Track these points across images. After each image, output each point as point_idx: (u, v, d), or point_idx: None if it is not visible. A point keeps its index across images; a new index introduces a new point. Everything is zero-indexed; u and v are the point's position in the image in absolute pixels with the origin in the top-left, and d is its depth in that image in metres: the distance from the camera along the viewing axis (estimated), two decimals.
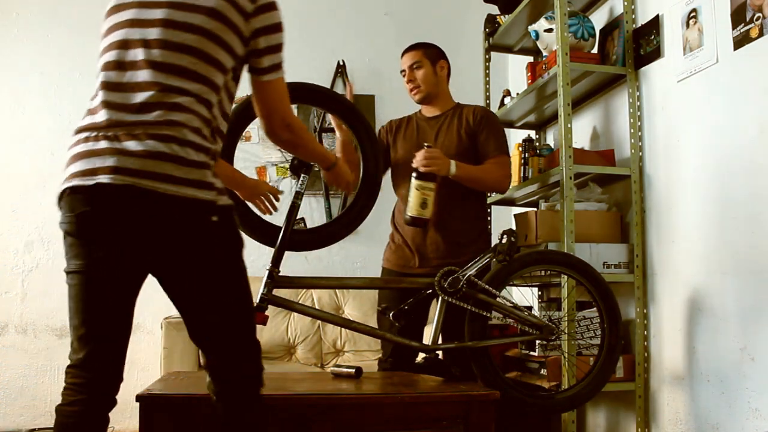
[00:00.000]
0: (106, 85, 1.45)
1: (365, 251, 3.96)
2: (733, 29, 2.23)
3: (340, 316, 3.49)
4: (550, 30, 2.89)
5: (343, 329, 3.62)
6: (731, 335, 2.24)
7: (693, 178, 2.46)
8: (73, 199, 1.38)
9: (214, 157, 1.46)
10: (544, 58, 3.01)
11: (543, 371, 2.73)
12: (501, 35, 3.46)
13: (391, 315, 2.20)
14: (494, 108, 3.52)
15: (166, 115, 1.39)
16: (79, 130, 1.43)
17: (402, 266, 2.54)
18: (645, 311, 2.67)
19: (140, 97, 1.40)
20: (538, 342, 2.71)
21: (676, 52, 2.54)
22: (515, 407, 2.11)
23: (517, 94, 3.25)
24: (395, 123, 2.71)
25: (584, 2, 3.07)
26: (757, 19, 2.13)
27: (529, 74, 3.16)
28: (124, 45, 1.46)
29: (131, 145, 1.35)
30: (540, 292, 3.27)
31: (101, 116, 1.41)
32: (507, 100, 3.35)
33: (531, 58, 3.51)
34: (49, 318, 3.70)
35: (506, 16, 3.36)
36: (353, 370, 2.14)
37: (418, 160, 2.36)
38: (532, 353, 2.81)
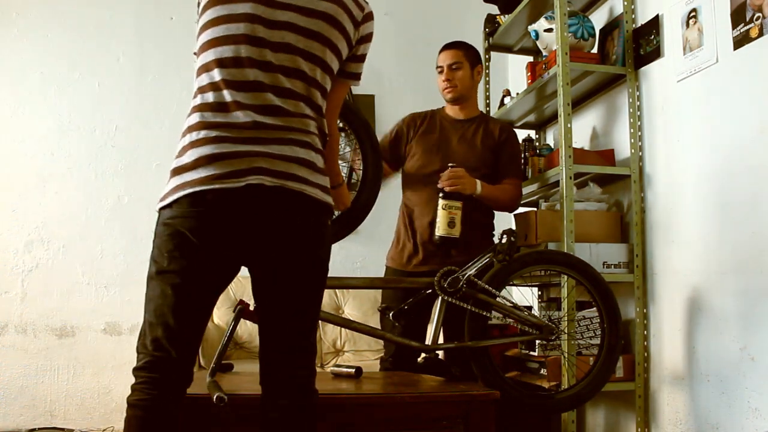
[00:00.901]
0: (230, 84, 1.43)
1: (365, 251, 3.96)
2: (733, 29, 2.23)
3: (340, 316, 3.49)
4: (550, 30, 2.89)
5: (343, 329, 3.62)
6: (731, 335, 2.24)
7: (693, 178, 2.46)
8: (209, 197, 1.37)
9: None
10: (544, 58, 3.01)
11: (543, 371, 2.73)
12: (501, 35, 3.46)
13: (390, 315, 2.21)
14: (494, 108, 3.52)
15: (301, 123, 1.45)
16: (206, 126, 1.42)
17: (405, 265, 2.55)
18: (645, 311, 2.67)
19: (273, 99, 1.43)
20: (537, 342, 2.71)
21: (676, 52, 2.54)
22: (515, 407, 2.11)
23: (517, 93, 3.25)
24: (418, 118, 2.71)
25: (584, 2, 3.07)
26: (757, 19, 2.13)
27: (529, 74, 3.16)
28: (243, 40, 1.44)
29: (276, 149, 1.41)
30: (540, 292, 3.27)
31: (237, 116, 1.41)
32: (507, 99, 3.35)
33: (531, 58, 3.51)
34: (48, 318, 3.70)
35: (506, 16, 3.36)
36: (353, 370, 2.14)
37: (444, 180, 2.40)
38: (532, 353, 2.81)
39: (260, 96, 1.42)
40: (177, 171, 1.41)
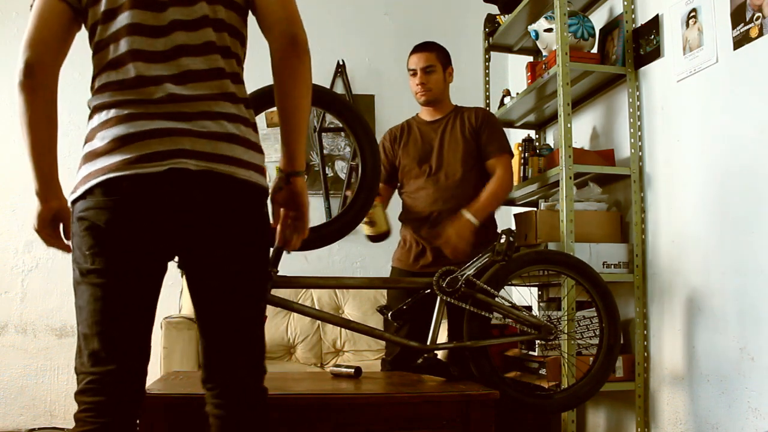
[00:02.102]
0: (137, 55, 1.26)
1: (365, 251, 3.96)
2: (733, 29, 2.23)
3: (340, 316, 3.49)
4: (549, 30, 2.89)
5: (343, 329, 3.61)
6: (731, 335, 2.24)
7: (693, 178, 2.46)
8: (125, 185, 1.21)
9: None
10: (543, 58, 3.01)
11: (543, 371, 2.73)
12: (501, 35, 3.46)
13: (390, 315, 2.21)
14: (494, 108, 3.52)
15: (221, 86, 1.28)
16: (110, 105, 1.25)
17: (412, 265, 2.57)
18: (645, 311, 2.67)
19: (189, 63, 1.26)
20: (537, 342, 2.71)
21: (675, 52, 2.53)
22: (515, 407, 2.11)
23: (517, 93, 3.24)
24: (396, 131, 2.75)
25: (584, 2, 3.07)
26: (757, 19, 2.13)
27: (529, 74, 3.16)
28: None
29: (200, 125, 1.24)
30: (540, 292, 3.27)
31: (150, 90, 1.24)
32: (507, 99, 3.35)
33: (531, 58, 3.50)
34: (48, 318, 3.70)
35: (506, 15, 3.36)
36: (352, 370, 2.14)
37: (452, 254, 2.42)
38: (531, 353, 2.81)
39: (168, 62, 1.26)
40: (88, 157, 1.26)
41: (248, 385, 1.32)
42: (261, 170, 1.31)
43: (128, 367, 1.24)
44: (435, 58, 2.64)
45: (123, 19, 1.28)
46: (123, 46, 1.27)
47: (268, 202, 1.39)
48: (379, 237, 2.50)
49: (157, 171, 1.20)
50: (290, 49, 1.30)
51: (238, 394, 1.31)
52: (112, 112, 1.25)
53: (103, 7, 1.30)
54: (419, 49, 2.67)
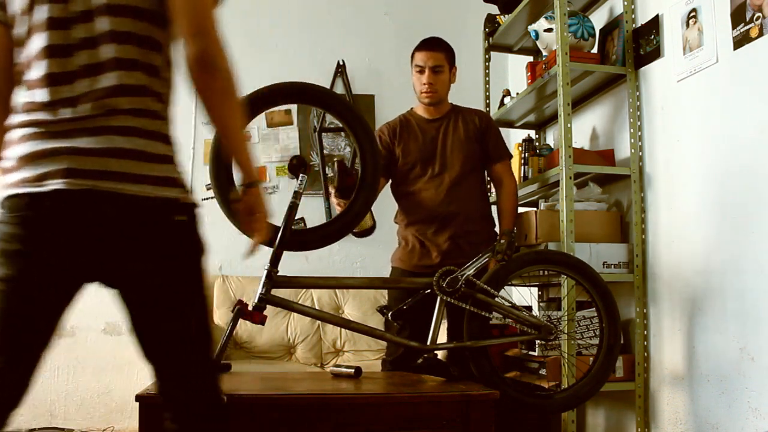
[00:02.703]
0: (46, 78, 1.23)
1: (365, 251, 3.96)
2: (733, 29, 2.23)
3: (339, 316, 3.49)
4: (549, 30, 2.88)
5: (343, 329, 3.62)
6: (731, 335, 2.24)
7: (693, 178, 2.46)
8: (21, 202, 1.20)
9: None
10: (544, 58, 3.01)
11: (543, 371, 2.73)
12: (501, 35, 3.46)
13: (390, 315, 2.21)
14: (494, 108, 3.52)
15: (122, 102, 1.22)
16: (20, 125, 1.24)
17: (414, 265, 2.56)
18: (645, 311, 2.67)
19: (89, 83, 1.22)
20: (537, 342, 2.71)
21: (676, 52, 2.53)
22: (514, 407, 2.11)
23: (517, 93, 3.24)
24: (395, 126, 2.69)
25: (584, 2, 3.07)
26: (757, 19, 2.13)
27: (529, 74, 3.16)
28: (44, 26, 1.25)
29: (85, 141, 1.19)
30: (540, 292, 3.27)
31: (49, 108, 1.22)
32: (507, 99, 3.35)
33: (531, 58, 3.50)
34: None
35: (506, 15, 3.36)
36: (352, 370, 2.14)
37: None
38: (531, 353, 2.81)
39: (77, 84, 1.22)
40: (2, 170, 1.26)
41: (193, 397, 1.30)
42: (166, 181, 1.25)
43: (8, 375, 1.24)
44: (444, 58, 2.60)
45: (37, 41, 1.25)
46: (35, 68, 1.25)
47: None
48: (363, 233, 2.45)
49: (44, 191, 1.18)
50: (199, 67, 1.24)
51: (184, 407, 1.30)
52: (20, 132, 1.25)
53: (21, 27, 1.28)
54: (429, 46, 2.61)
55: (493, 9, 3.51)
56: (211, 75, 1.25)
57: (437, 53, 2.59)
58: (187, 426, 1.29)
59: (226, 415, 1.34)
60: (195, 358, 1.30)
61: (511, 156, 2.73)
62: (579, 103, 3.12)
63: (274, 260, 2.04)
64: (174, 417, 1.30)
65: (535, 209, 3.01)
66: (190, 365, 1.30)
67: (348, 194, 2.22)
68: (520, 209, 2.90)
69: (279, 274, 2.04)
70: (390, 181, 2.71)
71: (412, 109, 2.73)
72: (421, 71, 2.60)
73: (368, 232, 2.48)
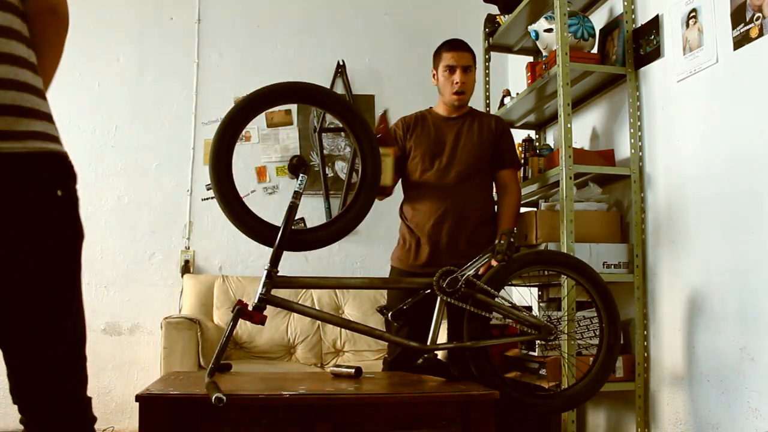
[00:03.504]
0: None
1: (365, 251, 3.97)
2: (733, 29, 2.23)
3: (339, 316, 3.49)
4: (550, 30, 2.89)
5: (343, 329, 3.62)
6: (731, 335, 2.24)
7: (693, 178, 2.46)
8: None
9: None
10: (544, 58, 3.01)
11: (543, 371, 2.73)
12: (501, 35, 3.46)
13: (390, 315, 2.20)
14: (494, 108, 3.52)
15: None
16: None
17: (413, 265, 2.56)
18: (645, 311, 2.67)
19: None
20: (537, 342, 2.71)
21: (676, 52, 2.54)
22: (514, 407, 2.11)
23: (517, 94, 3.25)
24: (410, 121, 2.70)
25: (584, 2, 3.07)
26: (757, 19, 2.13)
27: (529, 74, 3.16)
28: None
29: None
30: (540, 292, 3.27)
31: None
32: (507, 100, 3.36)
33: (531, 58, 3.51)
34: None
35: (506, 16, 3.37)
36: (352, 370, 2.14)
37: None
38: (531, 353, 2.81)
39: None
40: None
41: (42, 408, 1.20)
42: (45, 137, 1.18)
43: None
44: (471, 59, 2.64)
45: None
46: None
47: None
48: (380, 189, 2.37)
49: None
50: (49, 19, 1.24)
51: (37, 417, 1.20)
52: None
53: None
54: (460, 47, 2.63)
55: (493, 9, 3.51)
56: (58, 32, 1.30)
57: (467, 53, 2.63)
58: (38, 424, 1.19)
59: (87, 417, 1.25)
60: (42, 364, 1.17)
61: (520, 166, 2.73)
62: (579, 103, 3.12)
63: (274, 260, 2.04)
64: (25, 422, 1.20)
65: (535, 209, 3.01)
66: (36, 371, 1.17)
67: (384, 143, 2.38)
68: (520, 209, 2.90)
69: (279, 274, 2.04)
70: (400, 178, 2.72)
71: (431, 107, 2.74)
72: (452, 71, 2.61)
73: (384, 191, 2.49)
